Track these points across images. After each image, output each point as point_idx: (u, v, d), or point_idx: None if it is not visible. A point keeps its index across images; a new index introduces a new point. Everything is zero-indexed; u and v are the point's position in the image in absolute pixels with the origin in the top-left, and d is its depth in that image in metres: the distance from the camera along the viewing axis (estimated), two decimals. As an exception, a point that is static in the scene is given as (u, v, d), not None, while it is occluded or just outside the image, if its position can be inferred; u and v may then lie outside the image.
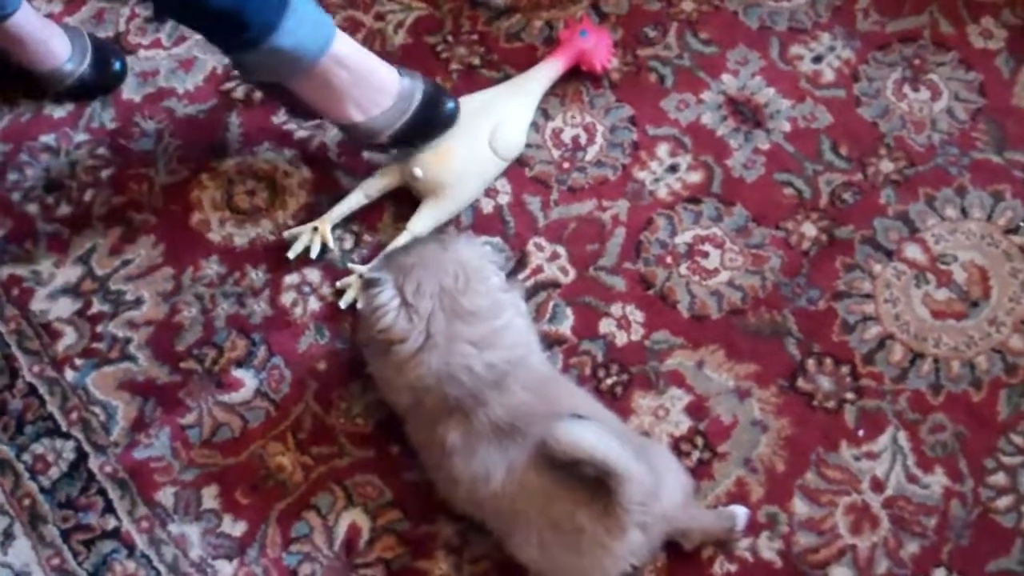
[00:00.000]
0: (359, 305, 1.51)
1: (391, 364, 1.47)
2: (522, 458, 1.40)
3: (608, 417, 1.51)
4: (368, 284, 1.49)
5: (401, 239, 1.74)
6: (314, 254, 1.76)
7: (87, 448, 1.66)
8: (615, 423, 1.51)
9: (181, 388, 1.70)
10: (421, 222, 1.76)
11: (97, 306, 1.78)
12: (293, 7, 1.60)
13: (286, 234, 1.79)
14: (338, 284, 1.75)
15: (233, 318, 1.75)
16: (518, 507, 1.40)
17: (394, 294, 1.46)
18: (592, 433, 1.32)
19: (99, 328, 1.76)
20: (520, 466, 1.40)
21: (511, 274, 1.74)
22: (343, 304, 1.73)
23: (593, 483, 1.34)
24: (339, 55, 1.68)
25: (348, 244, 1.79)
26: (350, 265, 1.76)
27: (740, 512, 1.54)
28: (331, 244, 1.77)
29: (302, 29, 1.63)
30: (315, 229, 1.77)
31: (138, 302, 1.78)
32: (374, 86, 1.74)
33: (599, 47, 1.91)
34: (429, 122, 1.78)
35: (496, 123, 1.80)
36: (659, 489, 1.38)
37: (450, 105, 1.78)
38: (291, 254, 1.76)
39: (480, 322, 1.46)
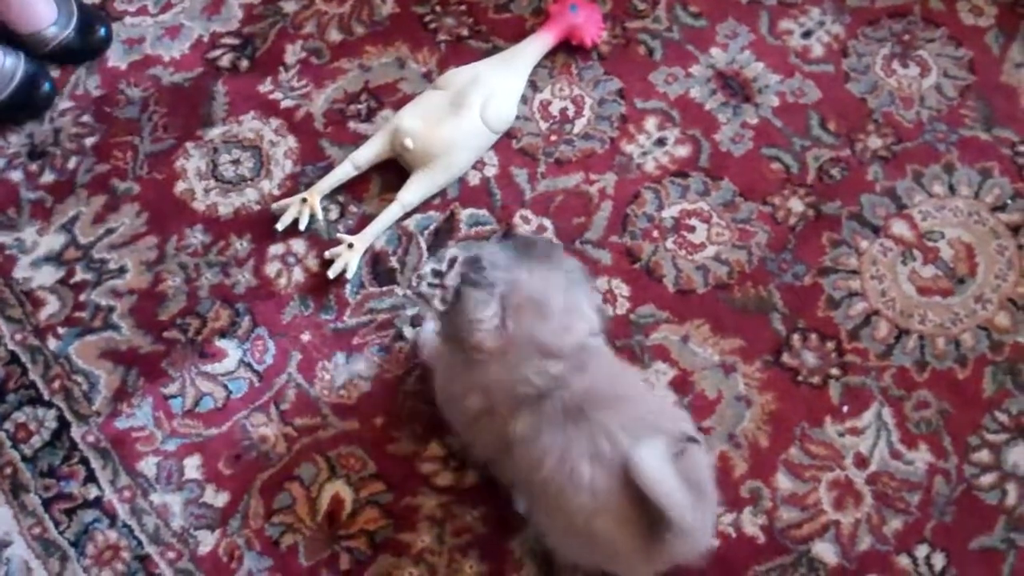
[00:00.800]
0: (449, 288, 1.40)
1: (463, 354, 1.37)
2: (579, 447, 1.34)
3: (673, 414, 1.47)
4: (473, 282, 1.36)
5: (391, 210, 1.74)
6: (303, 226, 1.75)
7: (69, 417, 1.66)
8: (680, 420, 1.44)
9: (164, 358, 1.69)
10: (411, 193, 1.76)
11: (80, 274, 1.77)
12: None
13: (274, 206, 1.78)
14: (327, 254, 1.74)
15: (217, 288, 1.74)
16: (562, 500, 1.35)
17: (496, 312, 1.34)
18: (665, 475, 1.27)
19: (82, 297, 1.75)
20: (575, 455, 1.34)
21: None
22: (331, 274, 1.72)
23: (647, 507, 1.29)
24: None
25: (334, 215, 1.78)
26: (338, 235, 1.75)
27: None
28: (319, 216, 1.76)
29: None
30: (304, 200, 1.76)
31: (121, 271, 1.77)
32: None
33: (589, 22, 1.90)
34: (25, 102, 1.87)
35: (487, 95, 1.79)
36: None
37: (46, 87, 1.87)
38: (279, 226, 1.75)
39: (553, 356, 1.35)
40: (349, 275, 1.72)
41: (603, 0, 1.95)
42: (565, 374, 1.35)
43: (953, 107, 1.81)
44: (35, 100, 1.89)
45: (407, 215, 1.77)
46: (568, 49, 1.90)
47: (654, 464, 1.27)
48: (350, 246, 1.72)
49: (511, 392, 1.36)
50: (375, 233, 1.74)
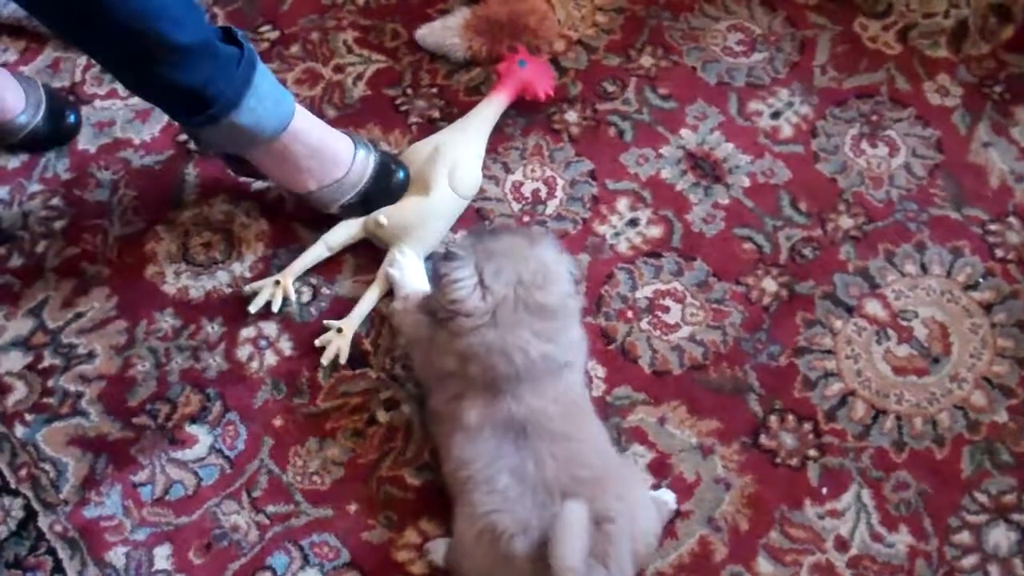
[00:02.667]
0: (437, 270, 1.52)
1: (449, 329, 1.48)
2: (508, 462, 1.44)
3: (612, 460, 1.54)
4: (448, 256, 1.50)
5: (374, 289, 1.74)
6: (276, 308, 1.74)
7: (36, 506, 1.62)
8: (616, 466, 1.52)
9: (133, 444, 1.66)
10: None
11: (48, 359, 1.74)
12: (255, 85, 1.61)
13: (247, 288, 1.76)
14: (317, 342, 1.72)
15: (187, 372, 1.72)
16: (472, 501, 1.45)
17: (472, 272, 1.48)
18: (574, 535, 1.33)
19: (50, 382, 1.72)
20: (498, 465, 1.44)
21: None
22: (325, 361, 1.70)
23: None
24: (297, 130, 1.69)
25: (306, 297, 1.77)
26: (326, 322, 1.73)
27: (669, 497, 1.57)
28: (292, 298, 1.75)
29: (262, 107, 1.63)
30: (277, 283, 1.74)
31: (90, 356, 1.74)
32: (329, 158, 1.74)
33: (539, 75, 1.92)
34: (381, 192, 1.79)
35: (452, 163, 1.80)
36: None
37: (400, 175, 1.80)
38: (252, 308, 1.73)
39: (546, 318, 1.48)
40: (343, 360, 1.70)
41: (573, 82, 1.96)
42: (525, 379, 1.46)
43: (923, 186, 1.82)
44: (61, 132, 1.90)
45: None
46: (539, 130, 1.91)
47: (574, 520, 1.34)
48: (339, 331, 1.71)
49: (484, 366, 1.46)
50: (362, 315, 1.73)
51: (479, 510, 1.43)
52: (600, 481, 1.43)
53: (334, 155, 1.75)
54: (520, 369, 1.46)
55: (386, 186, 1.79)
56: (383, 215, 1.75)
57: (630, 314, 1.74)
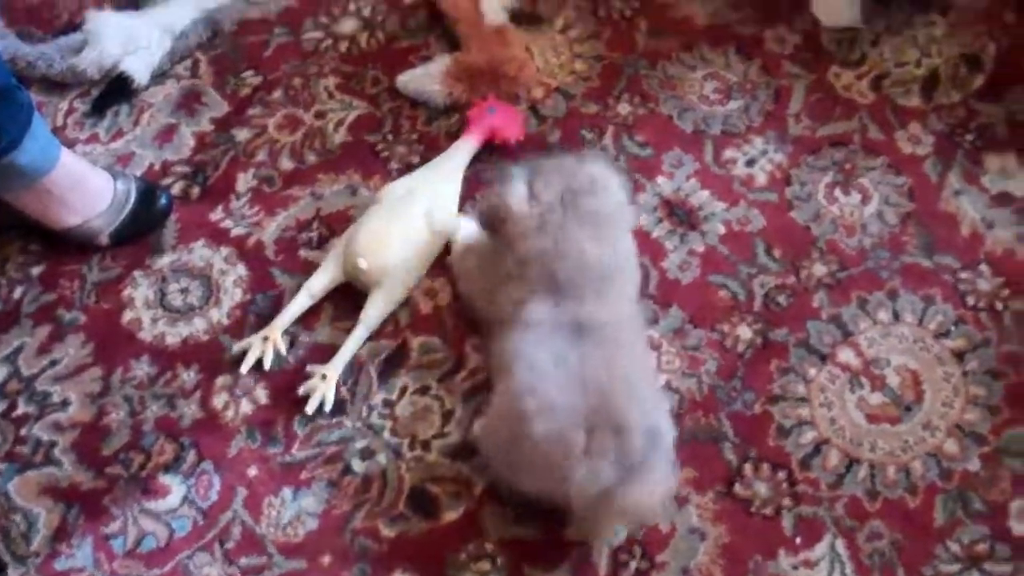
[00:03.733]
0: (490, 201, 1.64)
1: (504, 237, 1.61)
2: (555, 347, 1.52)
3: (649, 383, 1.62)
4: (501, 176, 1.63)
5: (356, 333, 1.74)
6: (267, 364, 1.73)
7: (6, 558, 1.61)
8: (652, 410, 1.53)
9: (106, 494, 1.65)
10: (373, 312, 1.76)
11: (23, 407, 1.74)
12: (33, 127, 1.72)
13: (235, 347, 1.76)
14: (300, 390, 1.71)
15: (162, 421, 1.72)
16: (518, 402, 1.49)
17: (523, 186, 1.60)
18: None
19: (23, 431, 1.72)
20: (547, 350, 1.52)
21: (450, 376, 1.74)
22: (310, 409, 1.69)
23: None
24: (63, 168, 1.79)
25: (284, 347, 1.76)
26: (309, 368, 1.73)
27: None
28: (283, 352, 1.75)
29: (37, 147, 1.74)
30: (265, 338, 1.74)
31: (65, 404, 1.74)
32: (92, 192, 1.84)
33: (508, 121, 1.94)
34: (146, 218, 1.89)
35: (430, 204, 1.82)
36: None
37: (163, 200, 1.90)
38: (244, 368, 1.73)
39: (599, 225, 1.59)
40: (327, 407, 1.70)
41: (551, 129, 1.98)
42: (587, 283, 1.56)
43: (895, 234, 1.83)
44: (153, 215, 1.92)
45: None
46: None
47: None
48: (323, 377, 1.71)
49: (543, 270, 1.57)
50: (345, 360, 1.73)
51: (512, 384, 1.50)
52: (632, 395, 1.49)
53: (96, 190, 1.85)
54: (576, 272, 1.56)
55: (150, 212, 1.89)
56: (362, 259, 1.75)
57: (605, 362, 1.74)
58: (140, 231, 1.89)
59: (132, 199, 1.87)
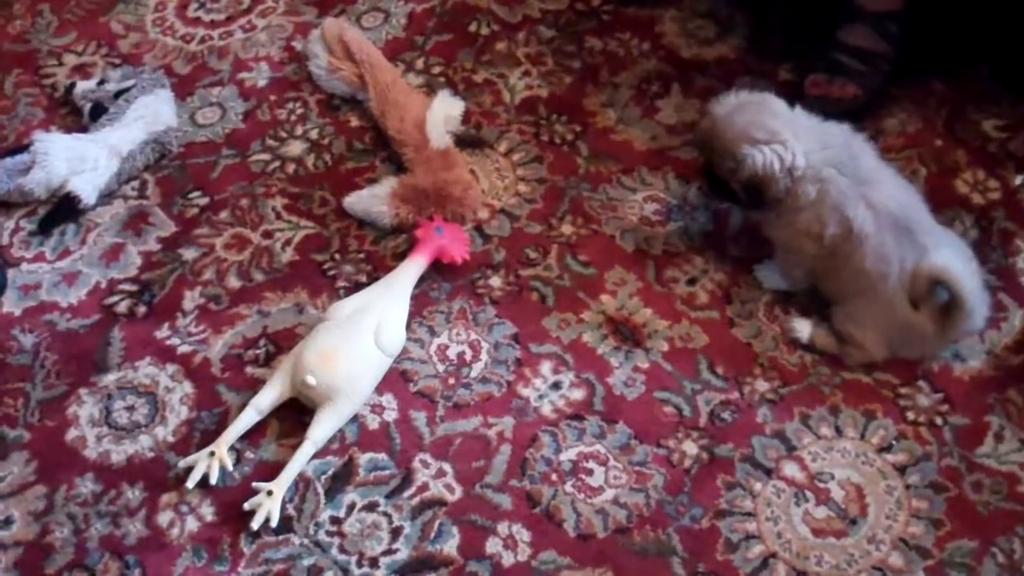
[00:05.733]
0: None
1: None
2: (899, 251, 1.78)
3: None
4: (734, 171, 1.83)
5: (303, 450, 1.74)
6: (213, 479, 1.72)
7: None
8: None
9: (49, 615, 1.62)
10: (320, 429, 1.76)
11: (-37, 526, 1.71)
12: None
13: (181, 463, 1.74)
14: (246, 506, 1.69)
15: (107, 539, 1.69)
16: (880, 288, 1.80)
17: (758, 148, 1.79)
18: (963, 271, 1.75)
19: (-36, 550, 1.68)
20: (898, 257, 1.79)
21: (398, 492, 1.73)
22: (255, 525, 1.67)
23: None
24: None
25: (230, 462, 1.75)
26: (255, 484, 1.72)
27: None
28: (230, 467, 1.73)
29: None
30: (211, 454, 1.73)
31: (7, 522, 1.71)
32: None
33: (455, 240, 1.98)
34: None
35: (378, 322, 1.83)
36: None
37: None
38: (190, 484, 1.71)
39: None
40: (273, 523, 1.68)
41: (497, 248, 2.02)
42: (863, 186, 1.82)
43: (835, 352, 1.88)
44: None
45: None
46: (464, 294, 1.95)
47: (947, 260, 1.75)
48: (269, 493, 1.69)
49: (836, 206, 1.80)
50: (291, 477, 1.72)
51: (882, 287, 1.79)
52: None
53: None
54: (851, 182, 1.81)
55: None
56: (311, 375, 1.76)
57: (555, 477, 1.75)
58: None
59: None
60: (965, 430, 1.78)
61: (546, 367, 1.88)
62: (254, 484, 1.72)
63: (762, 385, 1.84)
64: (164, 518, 1.72)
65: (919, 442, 1.77)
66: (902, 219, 1.80)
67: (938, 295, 1.76)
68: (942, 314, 1.78)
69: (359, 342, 1.82)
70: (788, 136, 1.80)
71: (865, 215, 1.79)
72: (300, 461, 1.74)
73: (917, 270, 1.75)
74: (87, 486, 1.75)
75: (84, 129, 2.18)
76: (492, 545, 1.69)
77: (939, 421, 1.79)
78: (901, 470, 1.75)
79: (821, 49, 2.17)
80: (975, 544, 1.67)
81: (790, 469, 1.76)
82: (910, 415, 1.80)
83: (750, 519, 1.71)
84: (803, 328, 1.88)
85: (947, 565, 1.65)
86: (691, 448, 1.78)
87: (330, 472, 1.76)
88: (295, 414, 1.80)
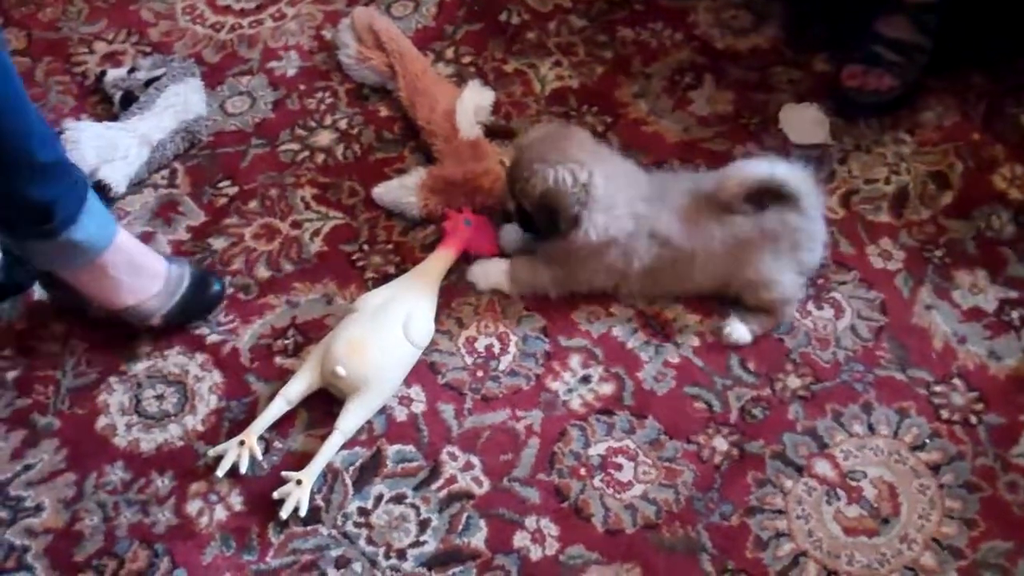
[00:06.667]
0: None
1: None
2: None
3: None
4: (527, 191, 1.81)
5: (332, 440, 1.73)
6: (243, 469, 1.72)
7: (-26, 669, 1.58)
8: None
9: (77, 602, 1.63)
10: (349, 420, 1.76)
11: (-6, 513, 1.72)
12: (89, 203, 1.71)
13: (211, 452, 1.75)
14: (275, 495, 1.69)
15: (136, 527, 1.70)
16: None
17: (552, 167, 1.79)
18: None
19: (-5, 536, 1.69)
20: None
21: (425, 484, 1.73)
22: (284, 514, 1.68)
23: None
24: (119, 247, 1.78)
25: (259, 452, 1.75)
26: (284, 473, 1.71)
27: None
28: (259, 456, 1.73)
29: (93, 224, 1.73)
30: (241, 443, 1.73)
31: (38, 509, 1.72)
32: (147, 273, 1.84)
33: (483, 233, 1.97)
34: (199, 302, 1.91)
35: (407, 314, 1.83)
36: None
37: (216, 287, 1.92)
38: (220, 472, 1.71)
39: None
40: (302, 513, 1.68)
41: (526, 241, 2.01)
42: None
43: (868, 348, 1.86)
44: (15, 285, 1.91)
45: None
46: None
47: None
48: (298, 482, 1.69)
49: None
50: (320, 467, 1.72)
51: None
52: None
53: (151, 270, 1.85)
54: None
55: (203, 296, 1.91)
56: (341, 366, 1.75)
57: (583, 471, 1.74)
58: (191, 315, 1.89)
59: (185, 283, 1.87)
60: (1000, 429, 1.76)
61: (575, 361, 1.86)
62: (283, 473, 1.71)
63: (794, 382, 1.83)
64: (193, 507, 1.72)
65: (953, 441, 1.75)
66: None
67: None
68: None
69: (388, 333, 1.81)
70: (584, 159, 1.81)
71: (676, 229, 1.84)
72: (329, 451, 1.73)
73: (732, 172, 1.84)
74: (117, 474, 1.75)
75: (114, 117, 2.18)
76: (520, 539, 1.68)
77: (973, 420, 1.77)
78: (935, 469, 1.73)
79: (858, 40, 2.15)
80: (1010, 545, 1.65)
81: (822, 467, 1.74)
82: (944, 413, 1.78)
83: (780, 517, 1.69)
84: (738, 329, 1.87)
85: (980, 566, 1.63)
86: (721, 444, 1.77)
87: (358, 463, 1.76)
88: (324, 404, 1.80)
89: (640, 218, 1.83)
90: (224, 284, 1.93)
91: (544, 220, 1.83)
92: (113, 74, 2.23)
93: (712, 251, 1.84)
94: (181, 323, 1.88)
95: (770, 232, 1.82)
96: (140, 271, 1.83)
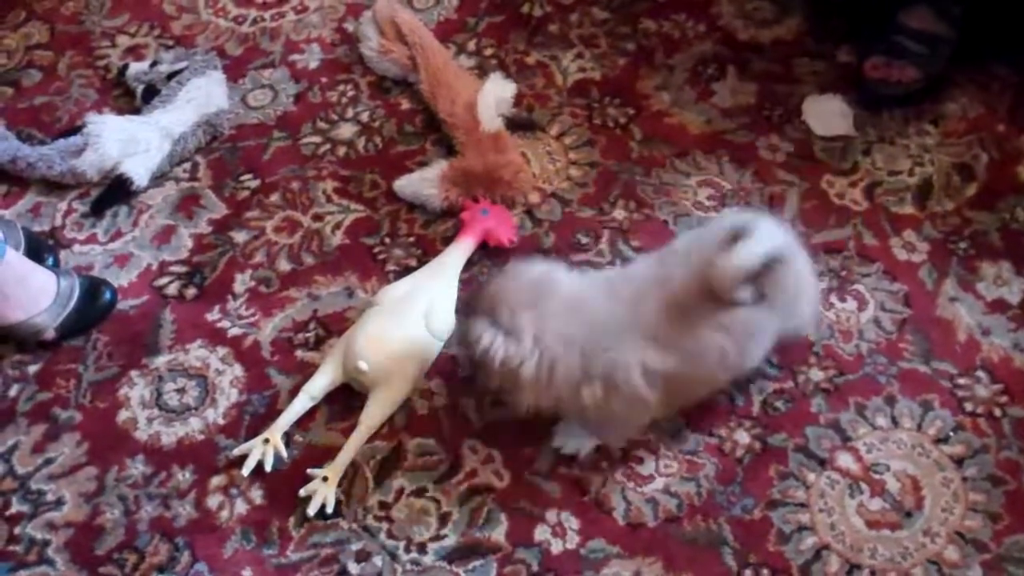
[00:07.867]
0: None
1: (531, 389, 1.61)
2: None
3: None
4: (464, 336, 1.62)
5: (358, 434, 1.73)
6: (268, 467, 1.72)
7: (-3, 660, 1.59)
8: None
9: (98, 595, 1.63)
10: (374, 414, 1.76)
11: (16, 506, 1.72)
12: None
13: (235, 451, 1.75)
14: (302, 492, 1.69)
15: (156, 521, 1.70)
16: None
17: (494, 330, 1.57)
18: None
19: (17, 530, 1.69)
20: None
21: (446, 478, 1.73)
22: (311, 511, 1.68)
23: None
24: (8, 263, 1.81)
25: (284, 449, 1.74)
26: (310, 470, 1.71)
27: None
28: (284, 454, 1.73)
29: None
30: (266, 441, 1.73)
31: (59, 503, 1.72)
32: (36, 288, 1.85)
33: (501, 223, 1.97)
34: (91, 312, 1.91)
35: (428, 306, 1.83)
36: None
37: (107, 296, 1.93)
38: (245, 471, 1.71)
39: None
40: (329, 509, 1.68)
41: (546, 233, 2.00)
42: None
43: (892, 340, 1.84)
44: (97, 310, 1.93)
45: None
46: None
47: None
48: (324, 479, 1.69)
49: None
50: (345, 462, 1.72)
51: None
52: None
53: (41, 284, 1.87)
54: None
55: (94, 306, 1.91)
56: (363, 361, 1.75)
57: (604, 465, 1.74)
58: (86, 325, 1.90)
59: (75, 295, 1.88)
60: (1025, 422, 1.75)
61: (597, 353, 1.86)
62: (309, 470, 1.71)
63: (817, 374, 1.81)
64: (214, 501, 1.72)
65: (977, 434, 1.74)
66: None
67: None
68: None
69: (410, 326, 1.81)
70: (528, 336, 1.58)
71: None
72: (354, 446, 1.73)
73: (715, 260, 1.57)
74: (137, 468, 1.76)
75: (137, 111, 2.19)
76: (541, 532, 1.68)
77: (998, 413, 1.75)
78: (958, 462, 1.71)
79: (881, 31, 2.13)
80: (1034, 539, 1.64)
81: (844, 460, 1.73)
82: (968, 406, 1.76)
83: (803, 510, 1.68)
84: (575, 444, 1.74)
85: (1004, 560, 1.62)
86: (743, 437, 1.75)
87: (379, 457, 1.75)
88: (344, 398, 1.79)
89: (619, 369, 1.59)
90: (115, 292, 1.94)
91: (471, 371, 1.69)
92: (135, 67, 2.24)
93: (724, 351, 1.63)
94: (76, 334, 1.90)
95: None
96: (28, 287, 1.85)
